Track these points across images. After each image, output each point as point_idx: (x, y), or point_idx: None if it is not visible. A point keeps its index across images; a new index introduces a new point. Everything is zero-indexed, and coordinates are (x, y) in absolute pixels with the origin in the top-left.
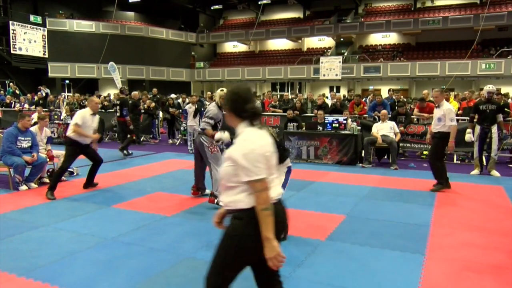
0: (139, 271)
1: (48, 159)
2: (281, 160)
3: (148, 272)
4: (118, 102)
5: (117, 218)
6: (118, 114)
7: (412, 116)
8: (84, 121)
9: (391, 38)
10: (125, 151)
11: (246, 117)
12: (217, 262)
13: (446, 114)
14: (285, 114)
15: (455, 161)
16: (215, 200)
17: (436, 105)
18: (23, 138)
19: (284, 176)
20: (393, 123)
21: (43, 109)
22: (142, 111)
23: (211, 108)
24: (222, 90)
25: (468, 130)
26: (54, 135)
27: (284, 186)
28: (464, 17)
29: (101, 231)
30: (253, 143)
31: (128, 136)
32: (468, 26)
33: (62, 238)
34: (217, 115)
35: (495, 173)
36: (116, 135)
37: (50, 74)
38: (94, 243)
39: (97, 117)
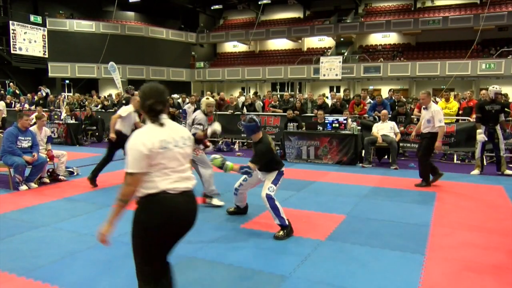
0: None
1: (48, 159)
2: (268, 170)
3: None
4: (124, 102)
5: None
6: None
7: (412, 116)
8: (128, 115)
9: (391, 38)
10: None
11: (146, 113)
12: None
13: (434, 116)
14: (285, 114)
15: (455, 161)
16: (207, 200)
17: (424, 107)
18: (23, 138)
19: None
20: (393, 123)
21: (43, 109)
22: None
23: (199, 114)
24: (207, 98)
25: (479, 131)
26: (54, 134)
27: (275, 183)
28: (464, 17)
29: None
30: (135, 138)
31: None
32: (468, 26)
33: (62, 238)
34: (205, 121)
35: (508, 171)
36: None
37: (50, 74)
38: (94, 243)
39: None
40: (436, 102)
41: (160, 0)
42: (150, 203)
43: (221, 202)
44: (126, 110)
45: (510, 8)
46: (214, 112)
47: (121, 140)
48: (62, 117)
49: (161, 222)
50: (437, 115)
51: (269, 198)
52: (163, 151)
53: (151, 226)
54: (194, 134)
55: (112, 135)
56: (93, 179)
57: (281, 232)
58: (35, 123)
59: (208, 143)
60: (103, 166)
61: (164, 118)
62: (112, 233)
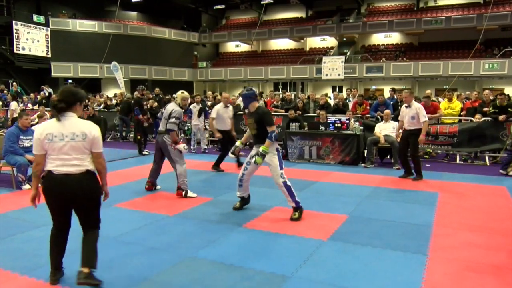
0: (140, 270)
1: None
2: (263, 138)
3: (149, 272)
4: (132, 102)
5: (119, 217)
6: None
7: None
8: (219, 114)
9: (393, 38)
10: (144, 152)
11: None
12: None
13: (419, 112)
14: (287, 114)
15: (457, 161)
16: (183, 193)
17: (407, 105)
18: (24, 137)
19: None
20: (396, 123)
21: (46, 109)
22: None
23: (176, 108)
24: (183, 92)
25: None
26: None
27: (281, 167)
28: (467, 17)
29: (102, 231)
30: (36, 128)
31: (138, 137)
32: (471, 25)
33: None
34: (181, 114)
35: None
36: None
37: (53, 74)
38: None
39: (230, 108)
40: (439, 102)
41: (162, 0)
42: (44, 178)
43: (194, 194)
44: (213, 111)
45: None
46: None
47: (225, 135)
48: None
49: (45, 192)
50: (421, 111)
51: (285, 184)
52: (48, 142)
53: (44, 192)
54: (170, 130)
55: (218, 135)
56: (217, 166)
57: (296, 214)
58: (38, 123)
59: (179, 146)
60: (223, 158)
61: (66, 115)
62: (34, 196)
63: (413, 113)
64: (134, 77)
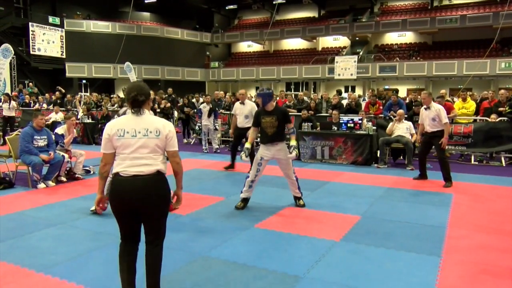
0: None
1: (69, 158)
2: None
3: (163, 270)
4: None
5: None
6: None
7: None
8: (237, 111)
9: (407, 37)
10: None
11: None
12: None
13: (440, 114)
14: (300, 114)
15: (472, 162)
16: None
17: (426, 106)
18: (39, 137)
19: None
20: (409, 124)
21: (60, 109)
22: (158, 110)
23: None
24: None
25: None
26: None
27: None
28: (482, 15)
29: (117, 229)
30: (107, 125)
31: None
32: (487, 24)
33: (78, 236)
34: None
35: None
36: None
37: (67, 74)
38: (110, 241)
39: (248, 104)
40: (453, 102)
41: (175, 0)
42: (111, 181)
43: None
44: (234, 109)
45: None
46: (229, 112)
47: (236, 132)
48: (79, 117)
49: (112, 197)
50: (442, 112)
51: (296, 178)
52: (118, 138)
53: (110, 197)
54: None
55: (230, 131)
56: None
57: (302, 201)
58: (54, 123)
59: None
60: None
61: (141, 111)
62: (100, 200)
63: (434, 115)
64: (147, 78)
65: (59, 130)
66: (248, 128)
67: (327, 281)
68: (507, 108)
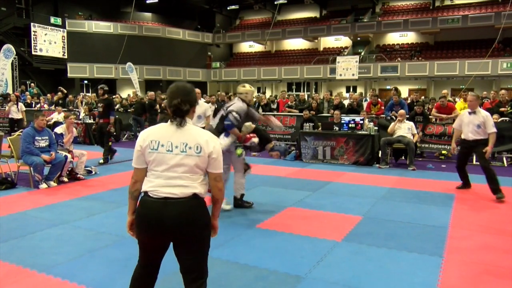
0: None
1: (72, 159)
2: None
3: (164, 270)
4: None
5: None
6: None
7: (430, 116)
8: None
9: (409, 37)
10: None
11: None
12: None
13: (486, 121)
14: (301, 114)
15: (474, 162)
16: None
17: (470, 111)
18: (40, 138)
19: None
20: (411, 124)
21: (62, 109)
22: (158, 111)
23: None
24: (244, 86)
25: None
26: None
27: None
28: (484, 15)
29: (119, 230)
30: (140, 134)
31: None
32: (489, 24)
33: (80, 236)
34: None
35: None
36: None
37: (69, 75)
38: (111, 241)
39: (202, 104)
40: (455, 102)
41: (176, 0)
42: (140, 201)
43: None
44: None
45: None
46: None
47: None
48: (80, 117)
49: (137, 221)
50: (490, 120)
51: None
52: (151, 151)
53: (135, 221)
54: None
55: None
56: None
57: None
58: (56, 123)
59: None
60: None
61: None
62: (131, 223)
63: (480, 121)
64: (149, 78)
65: (58, 129)
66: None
67: (328, 281)
68: (508, 108)
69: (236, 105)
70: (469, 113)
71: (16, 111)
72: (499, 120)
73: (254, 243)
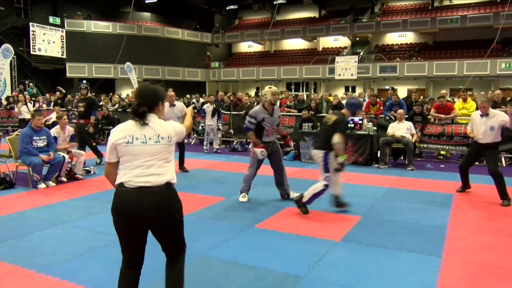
0: (154, 269)
1: (70, 159)
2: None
3: (163, 270)
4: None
5: None
6: None
7: (429, 116)
8: (169, 113)
9: (408, 37)
10: None
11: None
12: None
13: (501, 123)
14: (300, 114)
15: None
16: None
17: (483, 113)
18: (38, 138)
19: None
20: (410, 124)
21: (61, 109)
22: None
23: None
24: (270, 87)
25: None
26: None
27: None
28: (483, 16)
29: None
30: (112, 131)
31: None
32: (488, 24)
33: (79, 235)
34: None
35: None
36: None
37: (68, 74)
38: (110, 241)
39: (178, 105)
40: (454, 102)
41: (176, 0)
42: (114, 193)
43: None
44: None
45: None
46: (229, 112)
47: None
48: None
49: (114, 211)
50: (505, 117)
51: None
52: (126, 145)
53: (112, 212)
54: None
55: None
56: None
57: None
58: (54, 123)
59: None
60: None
61: (148, 119)
62: None
63: (493, 123)
64: (148, 78)
65: (52, 131)
66: None
67: (328, 281)
68: (507, 108)
69: (254, 108)
70: (481, 115)
71: (26, 111)
72: None
73: (253, 243)
